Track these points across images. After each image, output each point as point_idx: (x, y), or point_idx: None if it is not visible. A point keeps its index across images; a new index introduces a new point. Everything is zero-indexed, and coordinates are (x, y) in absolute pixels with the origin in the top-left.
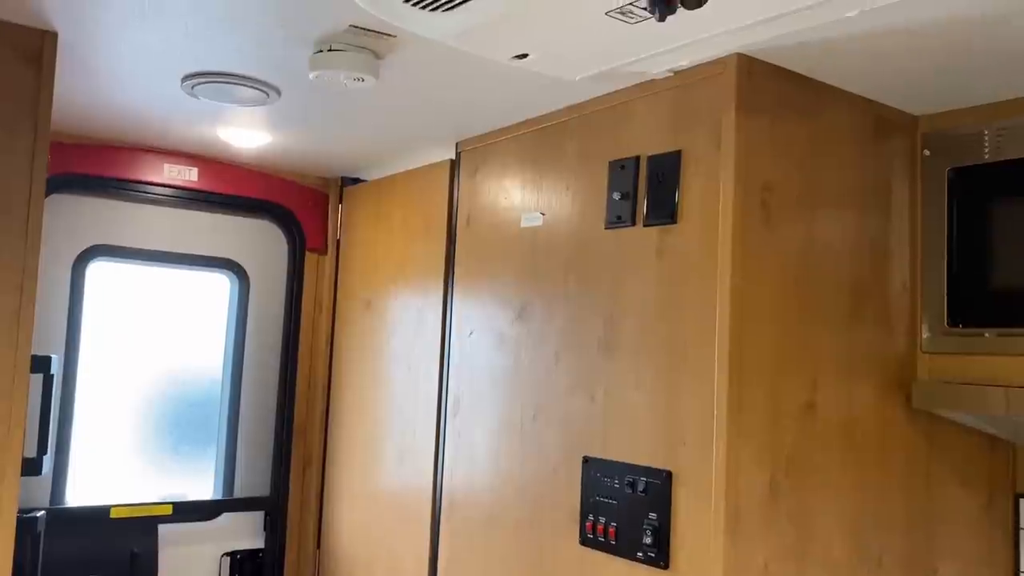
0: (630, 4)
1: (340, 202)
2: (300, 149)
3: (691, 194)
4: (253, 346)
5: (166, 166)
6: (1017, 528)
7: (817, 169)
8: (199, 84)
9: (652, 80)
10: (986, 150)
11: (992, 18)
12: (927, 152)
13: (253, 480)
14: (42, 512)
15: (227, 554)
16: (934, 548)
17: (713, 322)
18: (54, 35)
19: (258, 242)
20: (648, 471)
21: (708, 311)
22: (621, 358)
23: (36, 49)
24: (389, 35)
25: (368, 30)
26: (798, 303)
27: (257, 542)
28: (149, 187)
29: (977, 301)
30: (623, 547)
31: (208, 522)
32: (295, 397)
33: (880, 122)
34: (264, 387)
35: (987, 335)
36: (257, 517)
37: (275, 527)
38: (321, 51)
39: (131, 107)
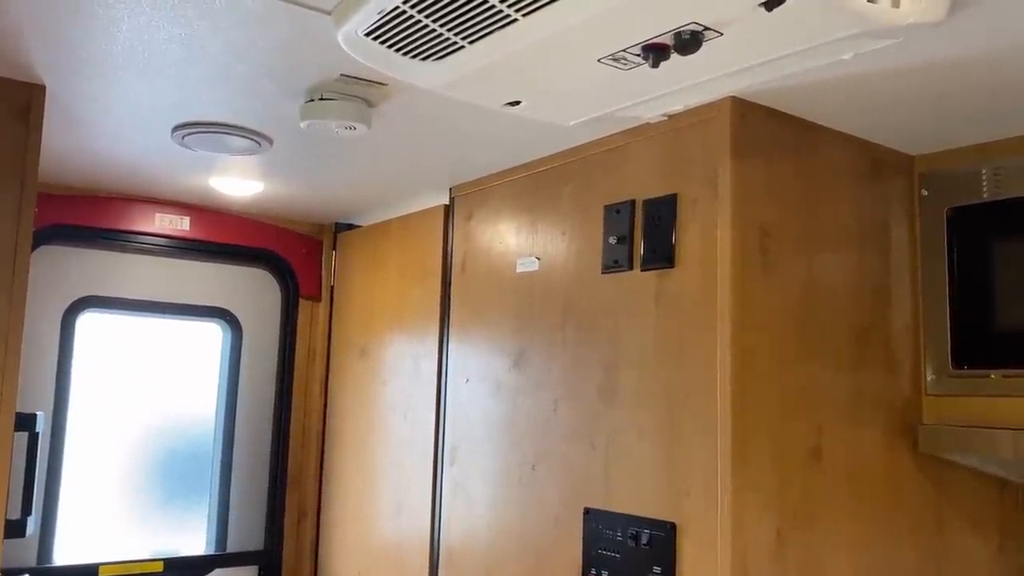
0: (623, 51)
1: (334, 248)
2: (293, 196)
3: (688, 238)
4: (246, 396)
5: (157, 216)
6: None
7: (814, 211)
8: (190, 134)
9: (646, 124)
10: (984, 189)
11: (986, 59)
12: (925, 192)
13: (246, 534)
14: (26, 574)
15: None
16: None
17: (715, 367)
18: (42, 88)
19: (251, 290)
20: (651, 523)
21: (709, 356)
22: (622, 406)
23: (24, 102)
24: (380, 83)
25: (359, 79)
26: (800, 347)
27: None
28: (140, 237)
29: (981, 342)
30: None
31: None
32: (289, 447)
33: (876, 163)
34: (257, 438)
35: (993, 376)
36: (251, 573)
37: None
38: (312, 100)
39: (122, 158)
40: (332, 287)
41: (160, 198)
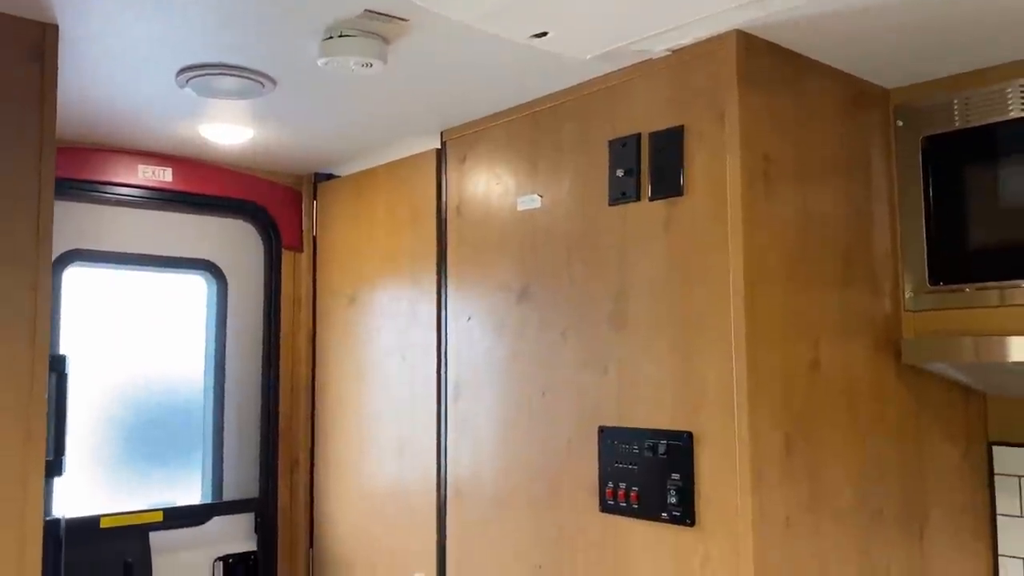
0: None
1: (314, 198)
2: (278, 145)
3: (695, 167)
4: (234, 347)
5: (140, 167)
6: (991, 474)
7: (806, 141)
8: (195, 77)
9: (648, 60)
10: (956, 118)
11: None
12: (900, 123)
13: (242, 482)
14: (63, 516)
15: (219, 559)
16: (925, 497)
17: (727, 288)
18: (55, 28)
19: (233, 242)
20: (669, 434)
21: (721, 278)
22: (633, 329)
23: (38, 42)
24: (402, 19)
25: (383, 14)
26: (799, 268)
27: (249, 545)
28: (123, 189)
29: (955, 260)
30: (647, 509)
31: (199, 527)
32: (279, 397)
33: (857, 95)
34: (247, 388)
35: (967, 290)
36: (248, 520)
37: (265, 529)
38: (331, 37)
39: (118, 105)
40: (314, 237)
41: (143, 149)
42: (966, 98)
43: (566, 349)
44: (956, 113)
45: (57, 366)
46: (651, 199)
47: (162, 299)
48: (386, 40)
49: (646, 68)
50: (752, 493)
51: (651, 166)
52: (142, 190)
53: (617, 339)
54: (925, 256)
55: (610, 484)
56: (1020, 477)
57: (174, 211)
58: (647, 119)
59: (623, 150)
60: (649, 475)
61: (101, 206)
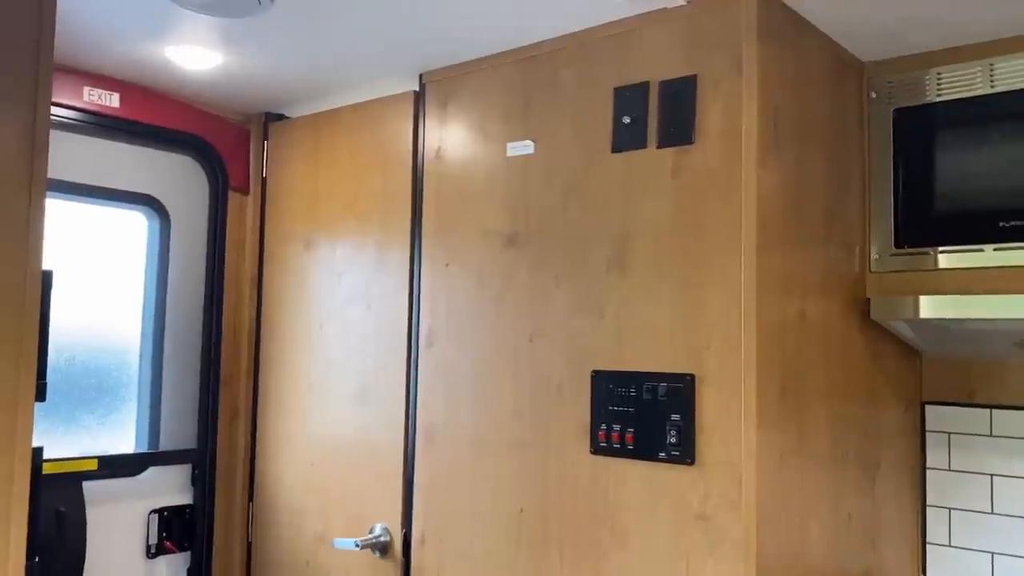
0: None
1: (264, 139)
2: (238, 77)
3: (709, 116)
4: (175, 290)
5: (86, 89)
6: (923, 431)
7: (803, 100)
8: None
9: (661, 10)
10: (927, 93)
11: None
12: (873, 95)
13: (179, 433)
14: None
15: (155, 511)
16: (877, 448)
17: (738, 235)
18: None
19: (178, 179)
20: (669, 376)
21: (732, 225)
22: (634, 274)
23: None
24: None
25: None
26: (795, 223)
27: (185, 498)
28: (65, 111)
29: (919, 225)
30: (643, 450)
31: (133, 478)
32: (221, 345)
33: (839, 63)
34: (187, 333)
35: (930, 254)
36: (185, 472)
37: (203, 481)
38: None
39: (83, 12)
40: (263, 179)
41: (89, 70)
42: (937, 74)
43: (558, 294)
44: (926, 88)
45: (44, 283)
46: (659, 147)
47: (99, 235)
48: None
49: (656, 17)
50: (757, 431)
51: (660, 114)
52: (85, 114)
53: (617, 284)
54: (892, 220)
55: (603, 427)
56: (949, 434)
57: (117, 140)
58: (656, 68)
59: (629, 97)
60: (647, 417)
61: None
